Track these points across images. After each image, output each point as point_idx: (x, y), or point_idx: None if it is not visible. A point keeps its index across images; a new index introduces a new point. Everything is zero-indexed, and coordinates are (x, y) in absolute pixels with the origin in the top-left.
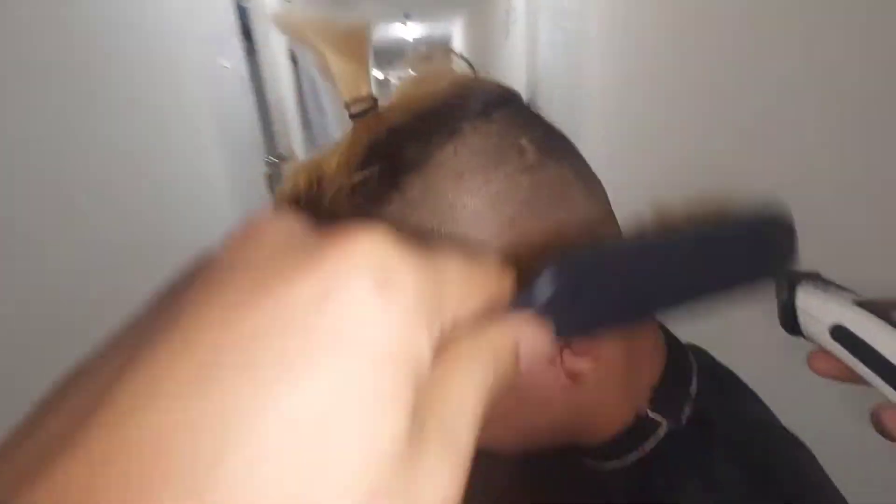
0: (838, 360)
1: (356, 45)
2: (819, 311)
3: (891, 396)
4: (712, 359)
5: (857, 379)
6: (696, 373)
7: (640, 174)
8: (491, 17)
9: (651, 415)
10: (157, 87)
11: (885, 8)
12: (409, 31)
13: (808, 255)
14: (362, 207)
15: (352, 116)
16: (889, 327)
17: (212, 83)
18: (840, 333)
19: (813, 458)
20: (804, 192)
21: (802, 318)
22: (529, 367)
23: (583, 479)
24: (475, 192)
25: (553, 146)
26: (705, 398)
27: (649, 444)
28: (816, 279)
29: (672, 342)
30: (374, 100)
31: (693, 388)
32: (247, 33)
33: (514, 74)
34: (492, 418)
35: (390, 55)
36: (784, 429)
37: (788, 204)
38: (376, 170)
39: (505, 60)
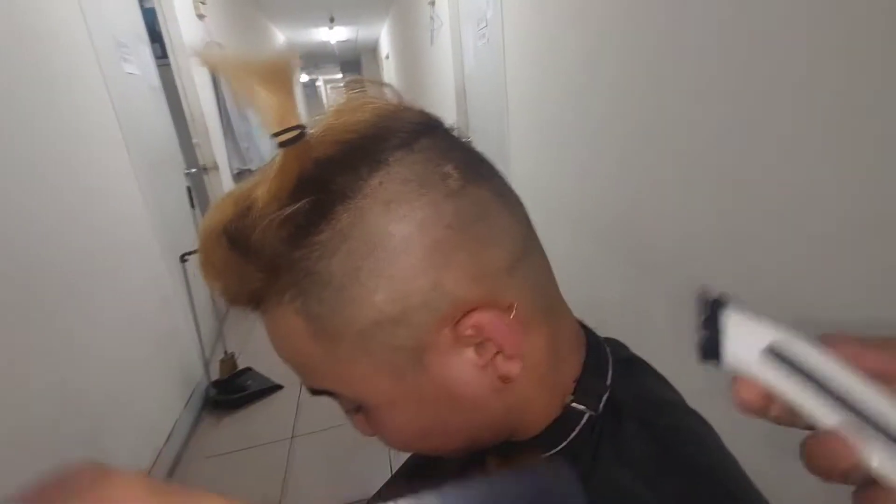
0: (764, 388)
1: (281, 77)
2: (750, 332)
3: (824, 419)
4: (627, 349)
5: (779, 415)
6: (611, 363)
7: (562, 170)
8: (416, 23)
9: (576, 406)
10: (55, 94)
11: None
12: (334, 34)
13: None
14: (292, 239)
15: (280, 145)
16: (821, 351)
17: (118, 91)
18: (773, 355)
19: (713, 430)
20: (702, 188)
21: (730, 340)
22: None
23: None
24: (402, 219)
25: (475, 170)
26: (618, 384)
27: (574, 433)
28: (739, 303)
29: (591, 337)
30: (302, 128)
31: (609, 377)
32: (155, 37)
33: (443, 80)
34: (433, 429)
35: (316, 58)
36: (688, 407)
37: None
38: (307, 202)
39: (434, 65)
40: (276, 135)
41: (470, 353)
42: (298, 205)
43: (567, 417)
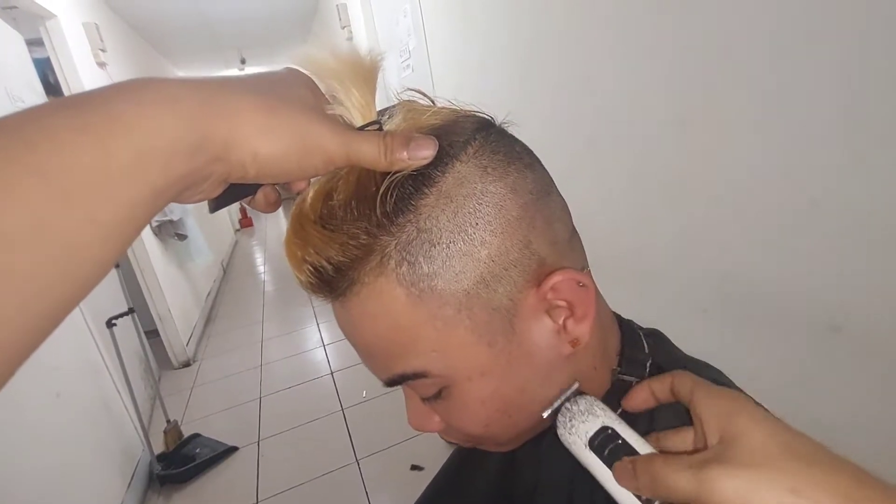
0: None
1: (367, 77)
2: (583, 422)
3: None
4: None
5: None
6: (643, 335)
7: None
8: None
9: (624, 377)
10: None
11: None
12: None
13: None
14: (402, 202)
15: None
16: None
17: None
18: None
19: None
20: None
21: (566, 426)
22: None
23: (559, 451)
24: (498, 181)
25: (531, 154)
26: (653, 351)
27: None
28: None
29: (616, 315)
30: (380, 123)
31: (646, 348)
32: (49, 89)
33: None
34: (514, 400)
35: None
36: (708, 363)
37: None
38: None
39: None
40: (361, 128)
41: (547, 320)
42: (406, 171)
43: (617, 389)
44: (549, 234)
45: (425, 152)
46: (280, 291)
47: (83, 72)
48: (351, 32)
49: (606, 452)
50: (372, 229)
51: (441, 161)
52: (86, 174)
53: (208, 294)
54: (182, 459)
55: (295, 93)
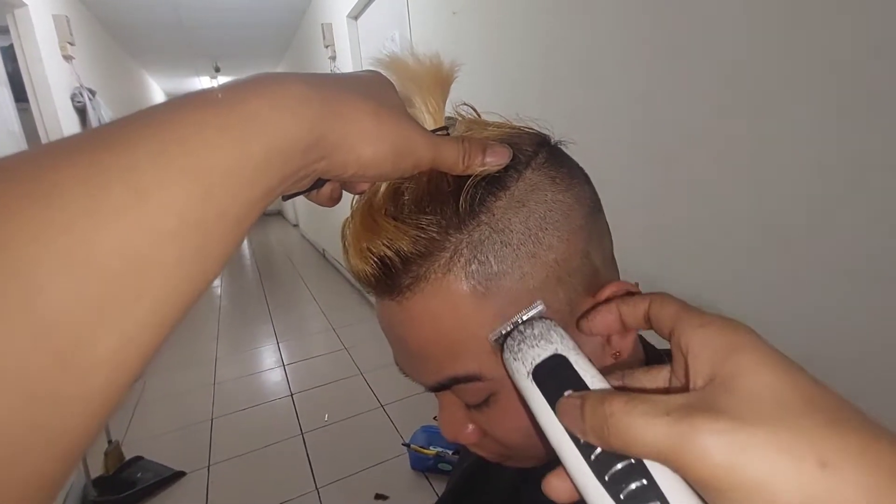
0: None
1: (442, 85)
2: (531, 347)
3: (557, 446)
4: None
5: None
6: (664, 353)
7: None
8: (313, 68)
9: None
10: None
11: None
12: (219, 83)
13: None
14: (477, 203)
15: None
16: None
17: None
18: (536, 373)
19: None
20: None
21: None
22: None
23: None
24: (566, 191)
25: (584, 171)
26: None
27: None
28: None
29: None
30: (447, 129)
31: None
32: (14, 79)
33: None
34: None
35: None
36: None
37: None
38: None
39: None
40: (433, 132)
41: None
42: (485, 168)
43: None
44: (601, 248)
45: (501, 159)
46: (236, 307)
47: (48, 63)
48: (334, 52)
49: (550, 385)
50: (444, 225)
51: (514, 168)
52: (224, 172)
53: None
54: (122, 484)
55: (390, 97)
